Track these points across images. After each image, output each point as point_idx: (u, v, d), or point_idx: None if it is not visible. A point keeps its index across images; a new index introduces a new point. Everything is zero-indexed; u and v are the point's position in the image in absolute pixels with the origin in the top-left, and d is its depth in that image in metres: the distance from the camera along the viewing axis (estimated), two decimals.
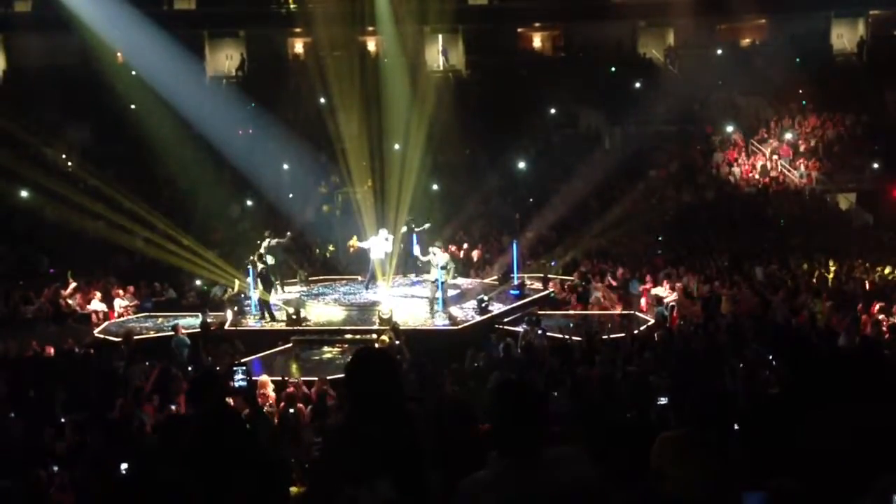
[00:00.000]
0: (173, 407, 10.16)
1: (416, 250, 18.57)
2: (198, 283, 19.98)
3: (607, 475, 3.52)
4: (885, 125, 25.54)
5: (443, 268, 16.58)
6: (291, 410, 10.24)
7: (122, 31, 25.92)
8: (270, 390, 11.17)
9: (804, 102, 28.47)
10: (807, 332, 12.70)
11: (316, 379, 11.75)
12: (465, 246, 22.89)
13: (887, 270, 18.84)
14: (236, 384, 6.40)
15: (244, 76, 31.72)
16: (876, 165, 24.98)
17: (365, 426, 3.19)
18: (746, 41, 34.35)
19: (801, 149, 26.76)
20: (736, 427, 4.05)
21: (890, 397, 2.98)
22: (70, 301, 18.80)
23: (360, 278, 20.61)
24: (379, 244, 18.36)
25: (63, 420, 10.06)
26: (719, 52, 32.23)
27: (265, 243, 18.26)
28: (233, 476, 3.66)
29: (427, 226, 19.83)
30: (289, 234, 20.31)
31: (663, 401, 7.76)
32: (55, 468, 7.35)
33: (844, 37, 32.64)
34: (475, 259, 22.44)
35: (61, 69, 27.83)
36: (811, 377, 3.55)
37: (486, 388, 9.56)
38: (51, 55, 29.36)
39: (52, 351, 14.21)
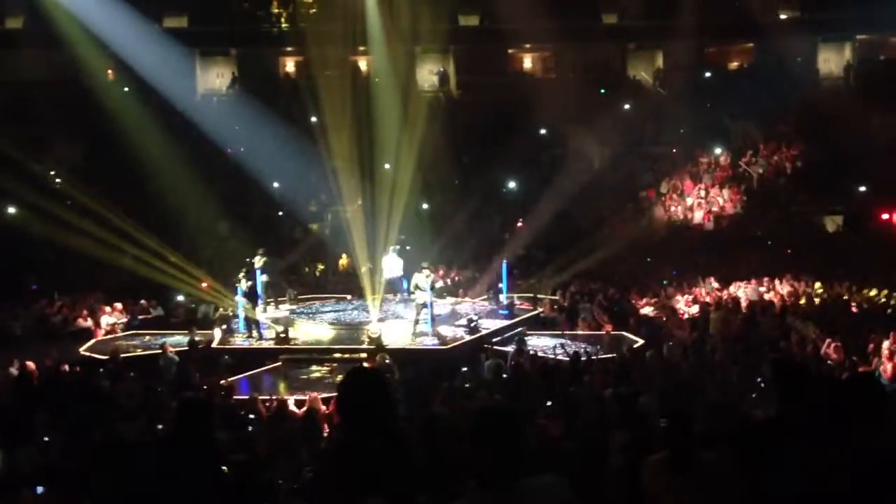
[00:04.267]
0: (160, 426, 10.04)
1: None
2: (180, 298, 19.88)
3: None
4: (872, 148, 25.75)
5: (431, 288, 16.56)
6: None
7: (113, 47, 25.95)
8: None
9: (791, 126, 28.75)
10: (796, 355, 12.74)
11: (305, 398, 11.68)
12: (455, 268, 22.91)
13: (873, 293, 18.94)
14: None
15: (235, 94, 31.75)
16: (863, 188, 25.18)
17: (358, 444, 3.16)
18: (734, 64, 34.68)
19: (789, 171, 26.97)
20: (726, 449, 4.05)
21: (883, 422, 2.98)
22: (56, 319, 18.68)
23: (348, 297, 20.59)
24: (391, 263, 18.55)
25: (46, 439, 9.94)
26: (707, 74, 32.53)
27: (258, 261, 18.22)
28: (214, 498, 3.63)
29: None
30: (281, 262, 20.37)
31: (663, 423, 7.70)
32: (39, 488, 7.25)
33: (831, 61, 33.00)
34: (464, 278, 22.43)
35: (52, 85, 27.76)
36: (804, 401, 3.55)
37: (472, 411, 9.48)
38: (41, 71, 29.31)
39: (35, 368, 14.04)
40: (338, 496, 2.81)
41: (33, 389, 12.77)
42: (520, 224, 25.36)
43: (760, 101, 27.69)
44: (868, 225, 24.10)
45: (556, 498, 2.99)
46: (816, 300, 18.63)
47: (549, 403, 9.75)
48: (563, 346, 15.32)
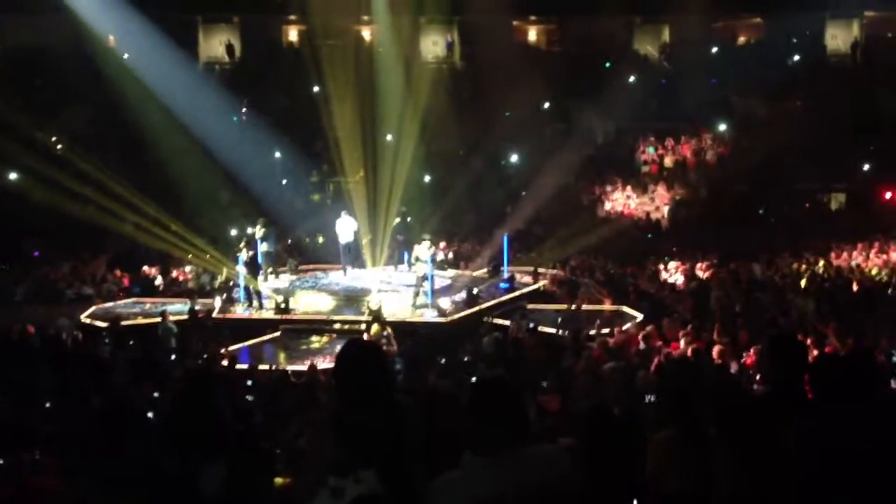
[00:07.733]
0: (156, 394, 10.08)
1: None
2: (188, 269, 19.89)
3: (592, 473, 3.50)
4: (878, 126, 25.62)
5: (432, 260, 16.54)
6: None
7: (113, 14, 25.69)
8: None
9: (798, 102, 28.54)
10: (795, 332, 12.73)
11: (304, 368, 11.73)
12: (456, 240, 22.87)
13: (874, 272, 18.92)
14: None
15: (237, 63, 31.50)
16: (867, 167, 25.07)
17: (353, 417, 3.16)
18: (742, 40, 34.36)
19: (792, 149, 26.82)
20: (721, 426, 4.05)
21: (876, 400, 2.98)
22: (59, 285, 18.71)
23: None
24: (344, 227, 18.94)
25: (47, 404, 9.99)
26: (714, 49, 32.23)
27: (258, 231, 18.21)
28: (216, 465, 3.64)
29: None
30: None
31: (651, 398, 7.76)
32: (37, 453, 7.28)
33: (839, 37, 32.66)
34: (465, 251, 22.41)
35: (53, 52, 27.50)
36: (800, 378, 3.55)
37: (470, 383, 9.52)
38: (42, 38, 29.01)
39: (35, 333, 14.08)
40: (330, 467, 2.81)
41: (36, 355, 12.83)
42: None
43: (767, 77, 27.48)
44: (872, 203, 24.02)
45: (553, 468, 2.99)
46: (817, 278, 18.61)
47: (544, 384, 9.76)
48: (561, 320, 15.32)
